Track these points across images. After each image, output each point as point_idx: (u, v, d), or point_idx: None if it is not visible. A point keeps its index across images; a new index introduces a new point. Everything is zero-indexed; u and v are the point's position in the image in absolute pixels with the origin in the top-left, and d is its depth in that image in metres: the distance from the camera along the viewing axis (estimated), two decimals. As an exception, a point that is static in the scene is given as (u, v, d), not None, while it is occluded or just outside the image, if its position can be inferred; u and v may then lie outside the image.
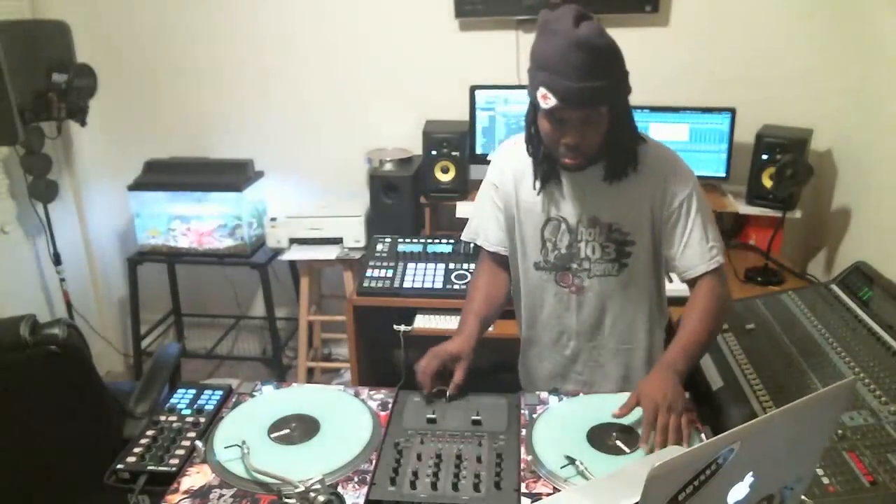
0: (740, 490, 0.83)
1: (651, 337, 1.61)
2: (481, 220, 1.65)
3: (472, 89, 2.69)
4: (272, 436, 1.28)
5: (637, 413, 1.29)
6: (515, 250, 1.61)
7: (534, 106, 1.38)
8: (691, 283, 1.50)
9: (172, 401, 1.42)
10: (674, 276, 1.58)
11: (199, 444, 1.23)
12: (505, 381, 1.47)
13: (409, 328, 2.32)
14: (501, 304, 1.66)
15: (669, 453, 1.12)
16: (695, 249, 1.46)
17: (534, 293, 1.61)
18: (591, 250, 1.51)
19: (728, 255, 2.55)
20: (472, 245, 2.54)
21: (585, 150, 1.39)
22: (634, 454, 1.22)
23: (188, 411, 1.38)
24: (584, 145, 1.37)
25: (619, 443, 1.25)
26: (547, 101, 1.30)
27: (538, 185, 1.50)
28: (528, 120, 1.45)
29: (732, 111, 2.53)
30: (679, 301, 1.60)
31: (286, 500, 1.09)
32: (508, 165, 1.56)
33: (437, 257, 2.53)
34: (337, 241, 2.84)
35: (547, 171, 1.48)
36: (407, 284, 2.42)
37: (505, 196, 1.58)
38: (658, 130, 2.61)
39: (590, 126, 1.34)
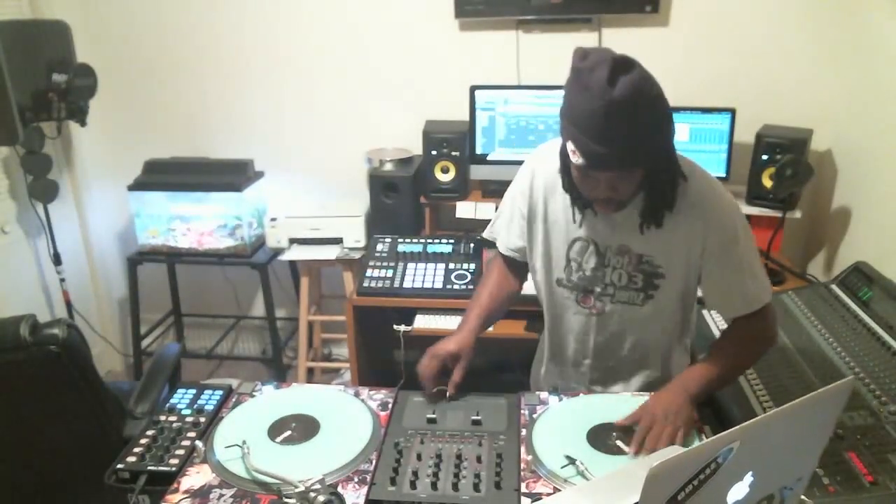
0: (740, 490, 0.83)
1: (668, 371, 1.56)
2: (503, 222, 1.61)
3: (472, 89, 2.68)
4: (272, 436, 1.28)
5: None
6: (537, 263, 1.55)
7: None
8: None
9: (172, 401, 1.42)
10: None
11: (199, 444, 1.23)
12: (505, 381, 1.47)
13: (409, 328, 2.32)
14: (505, 306, 1.63)
15: (668, 453, 1.12)
16: (734, 292, 1.39)
17: (555, 308, 1.57)
18: (618, 277, 1.45)
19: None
20: (471, 245, 2.56)
21: (618, 201, 1.32)
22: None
23: (188, 411, 1.38)
24: (616, 197, 1.30)
25: (619, 443, 1.25)
26: (575, 157, 1.23)
27: (578, 217, 1.44)
28: (562, 154, 1.35)
29: (732, 111, 2.53)
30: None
31: (286, 500, 1.09)
32: (540, 174, 1.49)
33: (437, 257, 2.53)
34: (337, 241, 2.84)
35: (585, 203, 1.41)
36: (407, 284, 2.42)
37: (532, 206, 1.52)
38: (658, 130, 2.60)
39: (621, 182, 1.27)
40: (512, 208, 1.57)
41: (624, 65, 1.19)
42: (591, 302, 1.50)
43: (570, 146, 1.24)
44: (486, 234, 1.67)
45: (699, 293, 1.49)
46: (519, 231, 1.56)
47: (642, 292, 1.44)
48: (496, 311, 1.60)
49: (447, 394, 1.41)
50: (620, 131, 1.17)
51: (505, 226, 1.60)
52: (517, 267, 1.63)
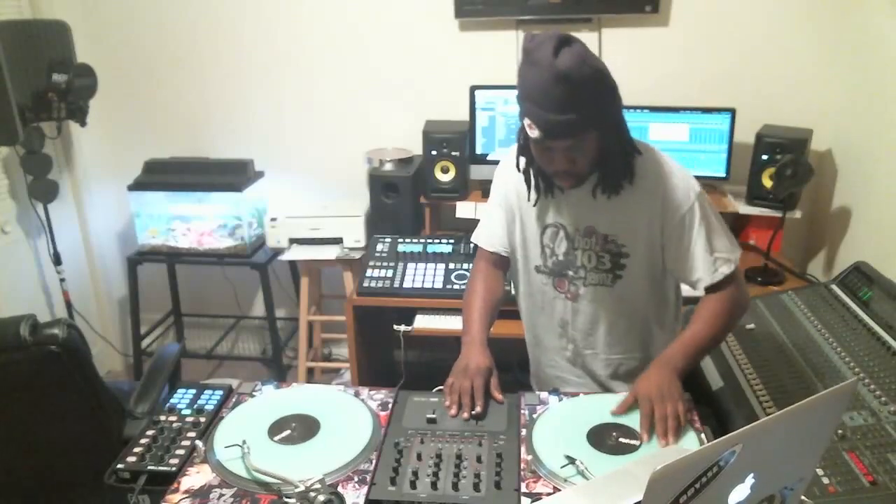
0: (741, 491, 0.83)
1: (648, 352, 1.61)
2: (486, 222, 1.67)
3: (472, 89, 2.69)
4: (272, 436, 1.28)
5: (637, 414, 1.30)
6: (517, 252, 1.62)
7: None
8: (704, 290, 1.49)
9: (172, 401, 1.42)
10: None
11: (199, 443, 1.23)
12: (505, 381, 1.47)
13: (409, 328, 2.32)
14: (499, 306, 1.66)
15: (671, 455, 1.12)
16: (699, 263, 1.44)
17: (534, 296, 1.63)
18: (588, 259, 1.51)
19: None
20: (472, 245, 2.55)
21: (577, 173, 1.40)
22: (635, 454, 1.22)
23: (188, 411, 1.38)
24: (575, 169, 1.38)
25: (619, 442, 1.25)
26: (532, 131, 1.31)
27: (534, 197, 1.51)
28: (519, 137, 1.45)
29: (732, 111, 2.53)
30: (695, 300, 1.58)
31: (286, 500, 1.09)
32: (513, 169, 1.55)
33: (437, 257, 2.53)
34: (337, 241, 2.84)
35: (544, 183, 1.48)
36: (407, 284, 2.42)
37: (507, 197, 1.59)
38: (658, 130, 2.60)
39: (578, 151, 1.34)
40: (492, 205, 1.65)
41: (566, 40, 1.28)
42: (566, 286, 1.56)
43: (526, 122, 1.32)
44: (473, 239, 1.72)
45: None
46: (501, 225, 1.63)
47: (610, 273, 1.51)
48: (495, 316, 1.64)
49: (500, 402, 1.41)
50: (569, 98, 1.25)
51: (489, 223, 1.66)
52: (501, 265, 1.68)
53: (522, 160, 1.47)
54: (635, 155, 1.42)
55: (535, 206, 1.53)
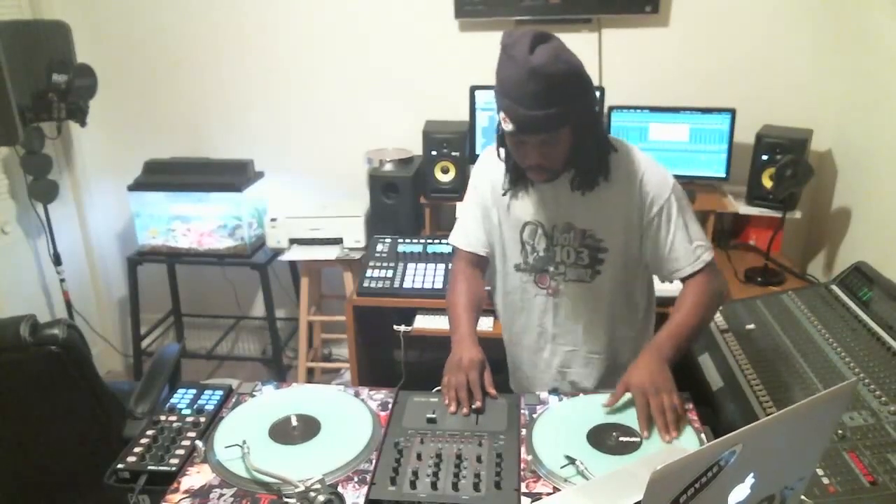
0: (741, 491, 0.83)
1: (626, 346, 1.63)
2: (463, 223, 1.68)
3: (472, 89, 2.69)
4: (272, 436, 1.28)
5: (634, 412, 1.31)
6: (495, 251, 1.63)
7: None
8: (682, 281, 1.53)
9: (172, 401, 1.42)
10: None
11: (199, 443, 1.23)
12: (504, 381, 1.47)
13: (409, 328, 2.32)
14: (482, 305, 1.67)
15: (671, 455, 1.12)
16: (680, 252, 1.49)
17: (513, 294, 1.64)
18: (567, 255, 1.54)
19: (728, 255, 2.56)
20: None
21: (550, 167, 1.42)
22: (635, 454, 1.22)
23: (188, 411, 1.38)
24: (547, 164, 1.40)
25: (619, 442, 1.25)
26: (506, 124, 1.34)
27: (506, 186, 1.53)
28: (498, 129, 1.46)
29: (732, 111, 2.53)
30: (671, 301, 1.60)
31: (286, 500, 1.09)
32: (489, 169, 1.59)
33: (437, 257, 2.53)
34: (337, 241, 2.84)
35: (519, 176, 1.51)
36: (407, 284, 2.42)
37: (484, 199, 1.61)
38: (658, 130, 2.61)
39: (551, 147, 1.37)
40: (469, 206, 1.66)
41: (542, 37, 1.30)
42: (547, 282, 1.58)
43: (501, 115, 1.34)
44: (450, 241, 1.72)
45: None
46: (478, 225, 1.64)
47: (589, 268, 1.53)
48: (478, 316, 1.65)
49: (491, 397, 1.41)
50: (543, 94, 1.27)
51: (465, 224, 1.67)
52: (480, 264, 1.68)
53: (503, 151, 1.50)
54: (610, 151, 1.46)
55: (504, 195, 1.55)
